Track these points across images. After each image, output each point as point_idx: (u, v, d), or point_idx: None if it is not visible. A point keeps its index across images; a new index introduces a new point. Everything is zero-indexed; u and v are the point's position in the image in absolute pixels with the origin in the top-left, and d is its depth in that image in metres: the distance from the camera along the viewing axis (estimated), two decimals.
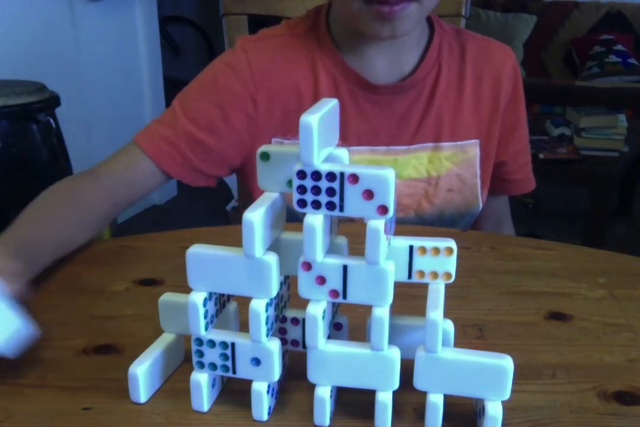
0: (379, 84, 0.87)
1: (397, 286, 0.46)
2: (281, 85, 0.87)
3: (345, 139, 0.88)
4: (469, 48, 0.91)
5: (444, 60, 0.89)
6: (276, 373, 0.47)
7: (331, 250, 0.47)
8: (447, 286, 0.48)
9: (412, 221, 0.92)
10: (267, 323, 0.46)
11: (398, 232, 0.48)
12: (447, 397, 0.46)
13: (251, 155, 0.89)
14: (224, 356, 0.48)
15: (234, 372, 0.48)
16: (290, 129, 0.88)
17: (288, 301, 0.52)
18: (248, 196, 0.96)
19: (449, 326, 0.50)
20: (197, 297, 0.46)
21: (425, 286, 0.49)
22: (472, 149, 0.92)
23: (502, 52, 0.93)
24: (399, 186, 0.90)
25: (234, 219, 2.48)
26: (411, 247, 0.48)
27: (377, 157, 0.89)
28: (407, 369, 0.46)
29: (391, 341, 0.46)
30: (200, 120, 0.85)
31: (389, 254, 0.46)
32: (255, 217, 0.43)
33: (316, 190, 0.43)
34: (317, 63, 0.87)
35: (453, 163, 0.91)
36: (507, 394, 0.45)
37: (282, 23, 0.93)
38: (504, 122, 0.93)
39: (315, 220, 0.43)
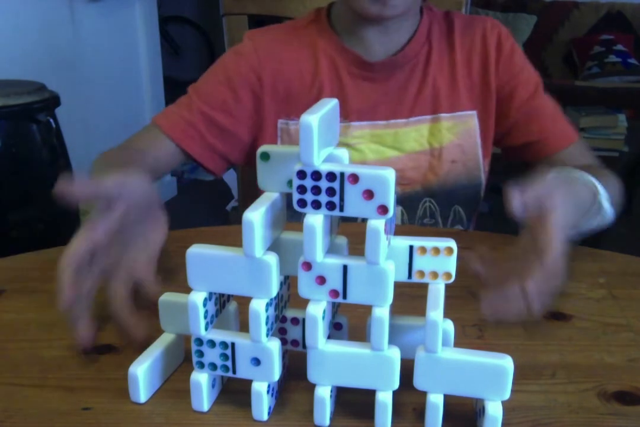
0: (374, 61, 0.92)
1: (397, 286, 0.46)
2: (285, 67, 0.93)
3: (347, 116, 0.94)
4: (457, 25, 0.96)
5: (434, 37, 0.94)
6: (276, 373, 0.47)
7: (331, 250, 0.47)
8: (447, 286, 0.48)
9: (419, 195, 0.96)
10: (267, 323, 0.46)
11: (398, 232, 0.48)
12: (447, 397, 0.46)
13: (259, 135, 0.96)
14: (224, 356, 0.48)
15: (234, 372, 0.48)
16: (294, 110, 0.94)
17: (288, 301, 0.52)
18: (253, 188, 0.99)
19: (449, 326, 0.50)
20: (197, 297, 0.46)
21: (425, 286, 0.49)
22: (471, 120, 0.96)
23: (486, 24, 0.96)
24: (403, 160, 0.94)
25: (234, 219, 2.48)
26: (411, 247, 0.48)
27: (377, 131, 0.94)
28: (407, 369, 0.46)
29: (391, 341, 0.46)
30: (213, 101, 0.92)
31: (389, 254, 0.46)
32: (255, 217, 0.43)
33: (316, 190, 0.43)
34: (317, 48, 0.94)
35: (453, 134, 0.95)
36: (507, 394, 0.45)
37: (286, 21, 1.01)
38: (500, 90, 0.94)
39: (316, 220, 0.43)
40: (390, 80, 0.94)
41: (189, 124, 0.91)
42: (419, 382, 0.46)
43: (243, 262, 0.45)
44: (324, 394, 0.47)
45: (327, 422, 0.48)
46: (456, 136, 0.95)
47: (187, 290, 0.47)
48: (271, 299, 0.46)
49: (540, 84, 0.97)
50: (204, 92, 0.93)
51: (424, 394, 0.46)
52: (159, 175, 0.90)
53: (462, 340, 0.55)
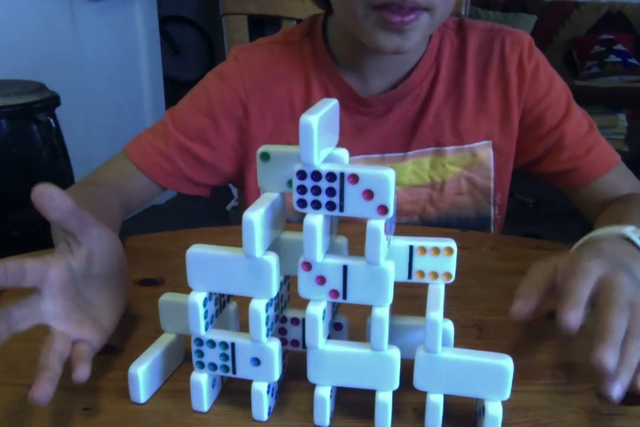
0: (372, 97, 0.84)
1: (397, 286, 0.46)
2: (273, 94, 0.85)
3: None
4: (470, 42, 0.85)
5: (443, 59, 0.85)
6: (276, 373, 0.47)
7: (331, 250, 0.47)
8: (447, 286, 0.48)
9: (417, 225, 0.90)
10: (267, 323, 0.46)
11: (398, 232, 0.48)
12: (447, 397, 0.46)
13: (244, 166, 0.88)
14: (224, 356, 0.48)
15: (234, 372, 0.48)
16: (281, 139, 0.86)
17: (288, 301, 0.52)
18: (245, 204, 0.95)
19: (449, 326, 0.50)
20: (197, 297, 0.46)
21: (425, 286, 0.49)
22: (483, 151, 0.87)
23: (505, 41, 0.84)
24: (400, 193, 0.88)
25: (234, 219, 2.48)
26: (411, 247, 0.48)
27: (372, 165, 0.87)
28: (407, 369, 0.46)
29: (391, 341, 0.46)
30: (190, 130, 0.84)
31: (389, 254, 0.46)
32: (255, 217, 0.43)
33: (316, 190, 0.43)
34: (310, 73, 0.85)
35: (461, 167, 0.87)
36: (507, 394, 0.45)
37: (279, 31, 0.91)
38: (526, 117, 0.86)
39: (316, 220, 0.43)
40: (389, 113, 0.85)
41: (162, 156, 0.84)
42: (419, 382, 0.46)
43: (243, 262, 0.45)
44: (324, 394, 0.47)
45: (327, 422, 0.48)
46: (464, 168, 0.87)
47: (187, 290, 0.47)
48: (271, 299, 0.46)
49: (570, 99, 0.87)
50: (182, 120, 0.85)
51: (424, 394, 0.46)
52: (131, 210, 0.83)
53: (462, 340, 0.55)
